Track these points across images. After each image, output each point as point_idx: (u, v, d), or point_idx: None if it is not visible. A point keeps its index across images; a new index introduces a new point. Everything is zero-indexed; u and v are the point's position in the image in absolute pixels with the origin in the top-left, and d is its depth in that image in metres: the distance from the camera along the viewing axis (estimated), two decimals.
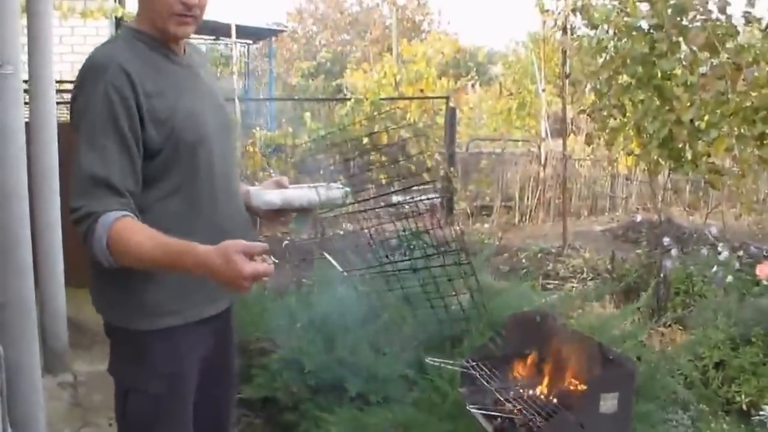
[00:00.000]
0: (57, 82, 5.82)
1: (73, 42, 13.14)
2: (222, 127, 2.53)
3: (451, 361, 3.40)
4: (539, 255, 9.11)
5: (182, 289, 2.37)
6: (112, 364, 2.49)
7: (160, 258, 2.15)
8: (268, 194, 2.66)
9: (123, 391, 2.44)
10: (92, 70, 2.27)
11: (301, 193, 2.67)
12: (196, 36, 19.15)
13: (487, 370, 3.19)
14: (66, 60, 12.50)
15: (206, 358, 2.56)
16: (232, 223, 2.47)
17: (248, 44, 19.74)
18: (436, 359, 3.39)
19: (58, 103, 5.69)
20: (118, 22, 14.17)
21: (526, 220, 12.07)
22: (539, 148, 12.65)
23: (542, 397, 3.01)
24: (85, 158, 2.20)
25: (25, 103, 4.09)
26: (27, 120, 4.12)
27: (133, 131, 2.24)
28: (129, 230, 2.16)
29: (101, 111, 2.21)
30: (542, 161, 12.27)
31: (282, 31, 20.14)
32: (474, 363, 3.25)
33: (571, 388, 2.98)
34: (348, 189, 2.70)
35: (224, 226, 2.41)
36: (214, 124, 2.47)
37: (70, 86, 11.06)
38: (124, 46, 2.36)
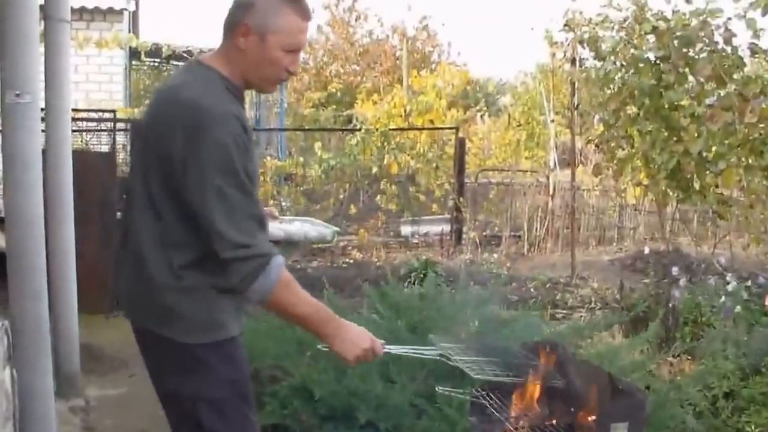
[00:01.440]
0: (72, 110, 5.88)
1: (89, 71, 13.29)
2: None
3: (461, 390, 3.39)
4: (548, 285, 9.10)
5: (233, 308, 2.63)
6: (174, 380, 2.61)
7: (312, 316, 2.57)
8: (271, 228, 2.82)
9: (192, 404, 2.58)
10: (214, 123, 2.41)
11: (298, 229, 2.85)
12: None
13: (496, 400, 3.19)
14: (81, 89, 12.67)
15: None
16: None
17: None
18: (446, 388, 3.39)
19: (73, 131, 5.75)
20: (133, 52, 14.33)
21: (534, 249, 12.05)
22: (548, 178, 12.66)
23: (552, 426, 3.01)
24: (240, 200, 2.42)
25: (42, 131, 4.13)
26: (43, 147, 4.17)
27: (249, 175, 2.49)
28: (293, 282, 2.51)
29: (236, 158, 2.41)
30: (551, 191, 12.29)
31: None
32: (483, 392, 3.24)
33: (581, 417, 2.98)
34: (337, 229, 2.91)
35: None
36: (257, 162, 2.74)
37: (84, 114, 11.12)
38: (226, 98, 2.53)
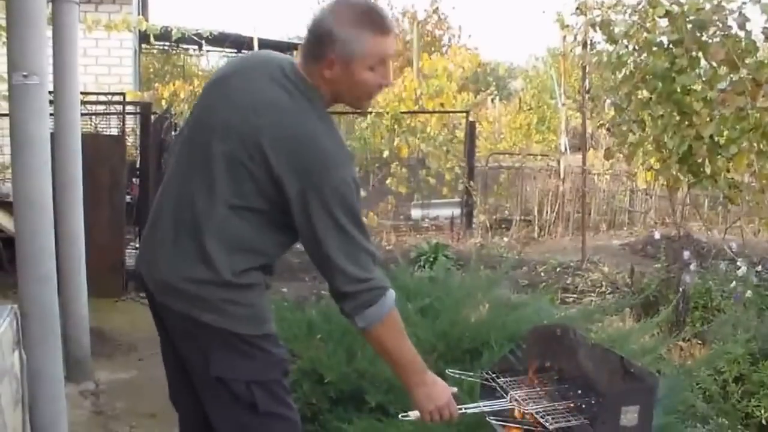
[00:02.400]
0: (81, 93, 5.88)
1: (98, 54, 13.29)
2: None
3: (470, 373, 3.39)
4: (558, 269, 9.12)
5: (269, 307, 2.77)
6: (223, 365, 2.64)
7: (405, 361, 2.72)
8: None
9: (245, 387, 2.64)
10: (337, 162, 2.51)
11: None
12: (218, 48, 19.23)
13: (506, 382, 3.20)
14: (90, 72, 12.67)
15: None
16: None
17: None
18: (456, 371, 3.38)
19: (82, 114, 5.75)
20: (142, 36, 14.32)
21: (544, 234, 12.06)
22: (558, 162, 12.64)
23: (562, 408, 3.01)
24: (358, 237, 2.53)
25: (50, 114, 4.13)
26: (52, 131, 4.16)
27: None
28: (399, 323, 2.66)
29: (354, 199, 2.53)
30: (561, 175, 12.27)
31: None
32: (494, 375, 3.24)
33: (592, 400, 2.98)
34: None
35: None
36: None
37: (94, 98, 11.14)
38: (337, 133, 2.65)
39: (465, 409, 2.97)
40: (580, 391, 3.04)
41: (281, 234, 2.63)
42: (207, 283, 2.58)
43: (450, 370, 3.41)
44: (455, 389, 2.92)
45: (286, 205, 2.51)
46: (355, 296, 2.54)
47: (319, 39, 2.54)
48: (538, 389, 3.16)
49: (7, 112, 3.93)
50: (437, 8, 27.98)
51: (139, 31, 12.71)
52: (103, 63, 13.61)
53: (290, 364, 2.87)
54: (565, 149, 12.82)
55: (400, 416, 2.91)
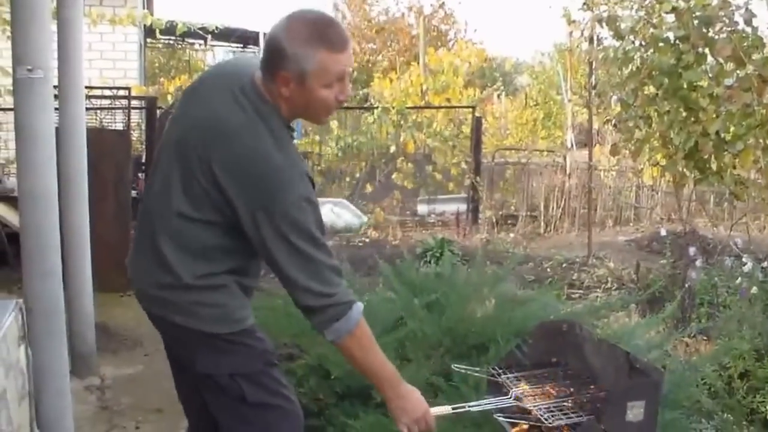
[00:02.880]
0: (86, 88, 5.88)
1: (102, 48, 13.28)
2: None
3: (477, 369, 3.40)
4: (564, 265, 9.12)
5: (248, 303, 2.80)
6: (205, 362, 2.70)
7: (378, 372, 2.74)
8: None
9: (230, 379, 2.70)
10: (288, 182, 2.51)
11: (326, 215, 2.92)
12: (224, 43, 19.23)
13: (513, 378, 3.20)
14: (95, 66, 12.67)
15: None
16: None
17: None
18: (462, 366, 3.39)
19: (87, 108, 5.75)
20: (147, 30, 14.31)
21: (551, 229, 12.05)
22: (564, 158, 12.63)
23: (568, 404, 3.01)
24: (317, 255, 2.54)
25: (55, 109, 4.13)
26: (56, 125, 4.16)
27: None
28: (368, 335, 2.68)
29: (309, 215, 2.52)
30: (567, 171, 12.26)
31: None
32: (500, 370, 3.25)
33: (598, 395, 2.99)
34: (365, 219, 2.97)
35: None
36: None
37: (98, 92, 11.14)
38: (293, 150, 2.65)
39: (469, 407, 2.97)
40: (586, 387, 3.07)
41: (242, 241, 2.60)
42: (170, 288, 2.65)
43: (456, 366, 3.43)
44: (446, 409, 2.95)
45: (240, 222, 2.54)
46: (322, 311, 2.57)
47: (273, 56, 2.51)
48: (545, 385, 3.17)
49: (12, 106, 3.92)
50: (443, 3, 27.96)
51: (144, 25, 12.70)
52: (108, 57, 13.60)
53: (274, 355, 2.87)
54: (572, 145, 12.80)
55: None
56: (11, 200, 7.82)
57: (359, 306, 2.63)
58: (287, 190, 2.48)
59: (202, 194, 2.55)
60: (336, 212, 2.90)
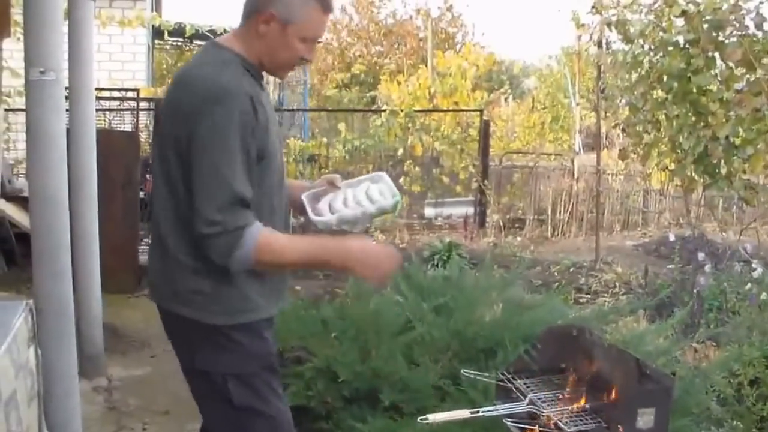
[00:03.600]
0: (95, 89, 5.88)
1: (111, 50, 13.31)
2: (280, 144, 2.78)
3: (486, 374, 3.38)
4: (571, 269, 9.09)
5: (268, 289, 2.66)
6: (204, 358, 2.64)
7: (308, 259, 2.53)
8: (323, 217, 2.78)
9: (221, 380, 2.62)
10: (224, 97, 2.42)
11: (355, 215, 2.75)
12: None
13: (522, 383, 3.18)
14: (104, 68, 12.69)
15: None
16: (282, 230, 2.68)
17: None
18: (471, 371, 3.38)
19: (96, 110, 5.76)
20: (156, 31, 14.33)
21: (558, 233, 12.03)
22: (572, 162, 12.61)
23: (578, 410, 3.00)
24: (223, 177, 2.40)
25: (65, 110, 4.14)
26: (66, 126, 4.17)
27: (251, 147, 2.47)
28: (272, 239, 2.47)
29: (235, 135, 2.40)
30: (575, 175, 12.24)
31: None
32: (509, 375, 3.23)
33: (608, 402, 2.97)
34: (399, 198, 2.81)
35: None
36: (278, 142, 2.70)
37: (107, 93, 11.19)
38: (240, 76, 2.53)
39: (482, 412, 2.94)
40: (596, 393, 3.05)
41: None
42: (171, 269, 2.60)
43: (465, 371, 3.41)
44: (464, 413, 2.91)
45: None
46: (211, 243, 2.42)
47: None
48: (555, 391, 3.15)
49: (21, 107, 3.95)
50: (451, 6, 27.95)
51: (153, 27, 12.72)
52: (117, 59, 13.62)
53: (275, 360, 2.76)
54: (579, 149, 12.78)
55: (419, 419, 2.86)
56: (20, 200, 7.84)
57: (253, 229, 2.42)
58: (220, 103, 2.40)
59: (173, 151, 2.51)
60: (371, 195, 2.77)
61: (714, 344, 5.51)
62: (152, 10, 14.13)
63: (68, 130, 4.71)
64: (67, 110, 4.58)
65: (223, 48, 2.60)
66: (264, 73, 2.70)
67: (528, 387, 3.15)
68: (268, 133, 2.54)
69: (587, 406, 3.00)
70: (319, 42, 2.70)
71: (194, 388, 2.74)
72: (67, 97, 4.64)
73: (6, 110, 9.17)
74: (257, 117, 2.46)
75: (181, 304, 2.61)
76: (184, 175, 2.48)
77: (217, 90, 2.42)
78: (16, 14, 5.98)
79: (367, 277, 2.56)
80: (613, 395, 2.99)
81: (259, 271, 2.56)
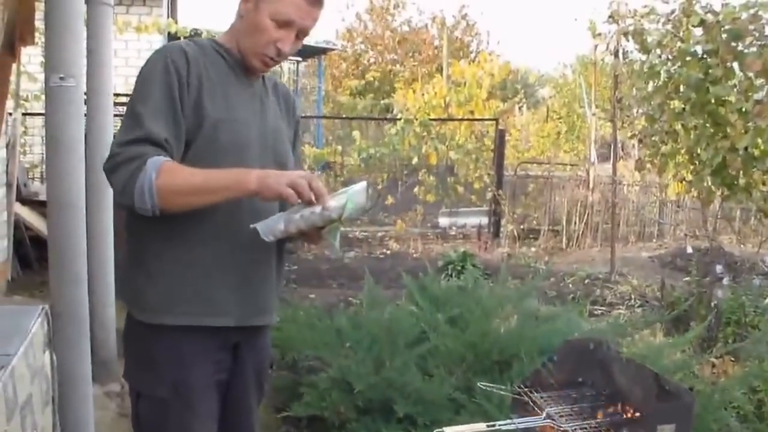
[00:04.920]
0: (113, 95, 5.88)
1: (128, 56, 13.30)
2: (267, 155, 2.50)
3: (503, 387, 3.34)
4: (586, 280, 9.04)
5: (176, 290, 2.35)
6: (126, 369, 2.48)
7: (211, 186, 2.22)
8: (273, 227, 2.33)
9: (134, 396, 2.44)
10: (158, 52, 2.35)
11: (304, 215, 2.27)
12: None
13: (539, 397, 3.14)
14: (120, 74, 12.65)
15: (223, 383, 2.51)
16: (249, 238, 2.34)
17: (297, 62, 19.82)
18: (487, 384, 3.34)
19: (114, 115, 5.76)
20: (171, 37, 14.35)
21: (573, 244, 11.97)
22: (587, 172, 12.56)
23: (596, 426, 2.96)
24: (136, 115, 2.24)
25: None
26: (84, 131, 4.18)
27: (181, 100, 2.29)
28: (177, 167, 2.21)
29: (155, 80, 2.27)
30: (590, 185, 12.19)
31: (332, 49, 20.26)
32: (527, 389, 3.19)
33: (627, 418, 2.93)
34: (348, 204, 2.24)
35: (236, 239, 2.37)
36: (259, 147, 2.46)
37: (125, 99, 11.24)
38: (195, 45, 2.43)
39: (499, 425, 2.90)
40: (614, 408, 3.00)
41: None
42: (126, 251, 2.45)
43: (481, 383, 3.37)
44: (481, 426, 2.75)
45: None
46: (112, 178, 2.20)
47: None
48: (572, 405, 3.08)
49: (37, 111, 3.97)
50: (465, 14, 27.97)
51: (169, 33, 12.73)
52: (133, 65, 13.55)
53: (199, 399, 2.39)
54: (594, 159, 12.73)
55: (434, 431, 2.81)
56: (36, 204, 7.85)
57: (158, 159, 2.18)
58: (155, 54, 2.33)
59: None
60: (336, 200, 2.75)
61: (732, 359, 5.45)
62: (168, 16, 14.15)
63: (86, 135, 4.70)
64: (84, 115, 4.57)
65: (206, 37, 2.53)
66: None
67: (545, 401, 3.08)
68: (217, 110, 2.35)
69: (606, 421, 2.96)
70: (299, 35, 2.45)
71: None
72: (84, 102, 4.64)
73: (23, 114, 9.20)
74: (190, 71, 2.32)
75: (119, 292, 2.52)
76: None
77: (158, 49, 2.37)
78: (37, 20, 5.98)
79: (271, 193, 2.19)
80: (633, 411, 2.94)
81: (190, 264, 2.32)
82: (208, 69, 2.38)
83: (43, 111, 4.49)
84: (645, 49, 6.56)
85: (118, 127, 2.30)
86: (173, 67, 2.29)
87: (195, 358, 2.38)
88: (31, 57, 7.82)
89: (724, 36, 5.83)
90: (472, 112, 13.71)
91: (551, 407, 3.00)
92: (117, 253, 2.33)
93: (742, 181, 6.04)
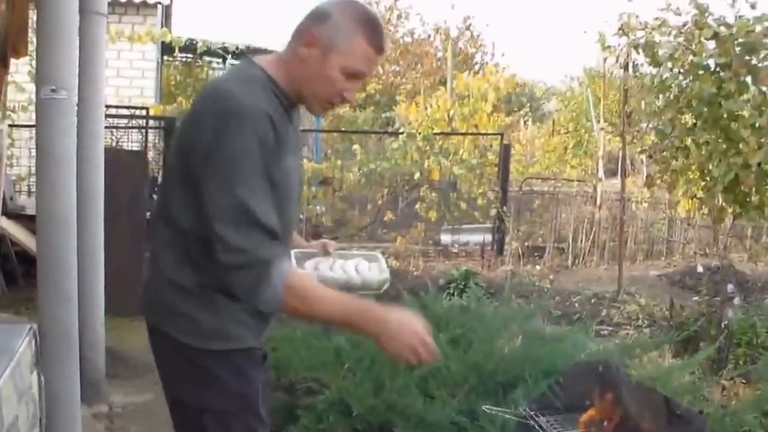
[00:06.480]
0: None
1: (119, 66, 13.27)
2: (300, 183, 2.66)
3: (508, 410, 3.26)
4: (593, 300, 8.92)
5: (252, 318, 2.49)
6: (181, 386, 2.53)
7: (339, 316, 2.36)
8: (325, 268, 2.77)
9: (198, 414, 2.48)
10: (242, 116, 2.28)
11: (336, 280, 2.67)
12: None
13: (545, 420, 3.08)
14: (111, 84, 12.60)
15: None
16: None
17: None
18: (491, 407, 3.26)
19: (105, 127, 5.69)
20: (165, 47, 14.28)
21: (579, 262, 11.85)
22: (594, 188, 12.46)
23: None
24: (248, 203, 2.26)
25: None
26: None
27: (275, 180, 2.34)
28: (306, 285, 2.36)
29: (255, 157, 2.27)
30: (597, 202, 12.07)
31: None
32: (532, 412, 3.13)
33: None
34: (387, 277, 2.73)
35: None
36: (298, 181, 2.61)
37: (114, 110, 11.14)
38: (264, 96, 2.38)
39: None
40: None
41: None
42: (155, 282, 2.53)
43: (486, 406, 3.37)
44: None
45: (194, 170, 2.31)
46: (237, 274, 2.28)
47: (312, 15, 2.43)
48: (580, 429, 3.06)
49: (24, 122, 3.92)
50: (470, 25, 27.91)
51: (162, 42, 12.67)
52: (125, 75, 13.57)
53: (258, 400, 2.55)
54: (602, 176, 12.63)
55: None
56: (23, 218, 7.76)
57: (284, 266, 2.31)
58: (240, 121, 2.26)
59: (178, 164, 2.39)
60: (360, 269, 2.84)
61: (744, 382, 5.37)
62: (162, 26, 14.08)
63: (77, 149, 4.63)
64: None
65: (254, 65, 2.46)
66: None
67: (551, 425, 3.08)
68: (287, 169, 2.42)
69: None
70: (363, 80, 2.54)
71: (172, 415, 2.60)
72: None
73: (10, 126, 9.10)
74: (277, 141, 2.33)
75: (160, 319, 2.51)
76: (185, 188, 2.36)
77: (236, 107, 2.28)
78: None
79: (395, 355, 2.34)
80: None
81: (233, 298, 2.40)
82: (281, 127, 2.38)
83: (30, 122, 4.40)
84: (656, 62, 6.48)
85: (220, 209, 2.27)
86: (265, 141, 2.29)
87: (252, 372, 2.53)
88: (19, 66, 7.70)
89: (737, 49, 5.77)
90: (476, 126, 13.61)
91: (557, 431, 3.00)
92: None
93: (754, 199, 5.99)
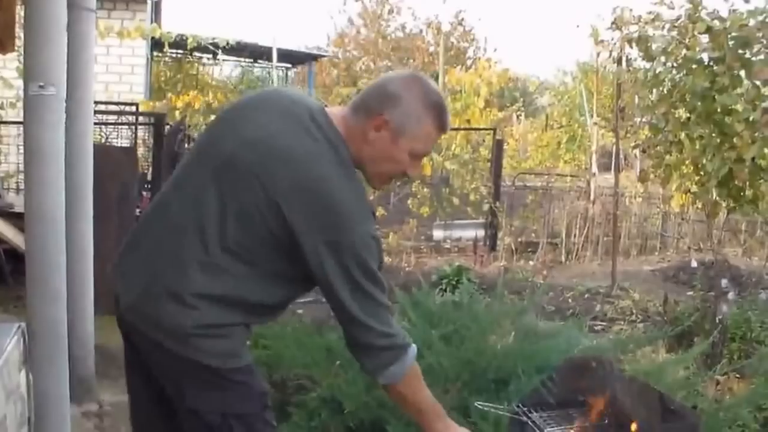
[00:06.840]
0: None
1: (108, 62, 13.16)
2: None
3: (501, 406, 3.25)
4: (586, 295, 8.93)
5: (245, 340, 2.66)
6: (198, 396, 2.54)
7: (427, 413, 2.72)
8: None
9: (221, 419, 2.54)
10: (356, 220, 2.45)
11: None
12: (234, 58, 19.03)
13: (538, 416, 3.05)
14: (100, 80, 12.51)
15: None
16: None
17: (287, 68, 19.70)
18: (484, 403, 3.25)
19: (94, 123, 5.64)
20: (155, 43, 14.17)
21: (572, 258, 11.85)
22: (588, 183, 12.44)
23: None
24: (376, 294, 2.50)
25: None
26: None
27: None
28: (419, 376, 2.68)
29: (374, 252, 2.49)
30: (591, 197, 12.06)
31: (323, 56, 20.15)
32: (526, 409, 3.10)
33: None
34: None
35: None
36: None
37: (103, 107, 11.01)
38: (355, 174, 2.55)
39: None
40: (617, 429, 2.97)
41: (278, 287, 2.57)
42: (177, 315, 2.47)
43: (478, 403, 3.32)
44: None
45: (294, 253, 2.45)
46: (378, 353, 2.54)
47: (384, 96, 2.53)
48: (573, 425, 3.06)
49: (12, 119, 3.88)
50: (462, 19, 27.84)
51: (152, 38, 12.60)
52: (114, 71, 13.45)
53: (268, 397, 2.72)
54: (595, 170, 12.62)
55: None
56: (10, 216, 7.72)
57: (414, 349, 2.61)
58: (355, 224, 2.44)
59: (259, 224, 2.44)
60: None
61: (738, 376, 5.37)
62: (152, 21, 13.99)
63: (66, 145, 4.60)
64: None
65: (334, 128, 2.53)
66: None
67: (545, 421, 3.05)
68: None
69: None
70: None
71: (187, 426, 2.62)
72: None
73: None
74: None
75: (176, 343, 2.48)
76: (257, 248, 2.47)
77: (352, 212, 2.44)
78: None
79: None
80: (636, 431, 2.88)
81: (249, 324, 2.63)
82: None
83: (18, 119, 4.35)
84: (649, 56, 6.46)
85: (353, 300, 2.49)
86: (379, 243, 2.54)
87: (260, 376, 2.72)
88: (6, 62, 7.65)
89: (731, 43, 5.75)
90: (468, 121, 13.56)
91: (551, 427, 2.98)
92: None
93: (749, 193, 5.98)
